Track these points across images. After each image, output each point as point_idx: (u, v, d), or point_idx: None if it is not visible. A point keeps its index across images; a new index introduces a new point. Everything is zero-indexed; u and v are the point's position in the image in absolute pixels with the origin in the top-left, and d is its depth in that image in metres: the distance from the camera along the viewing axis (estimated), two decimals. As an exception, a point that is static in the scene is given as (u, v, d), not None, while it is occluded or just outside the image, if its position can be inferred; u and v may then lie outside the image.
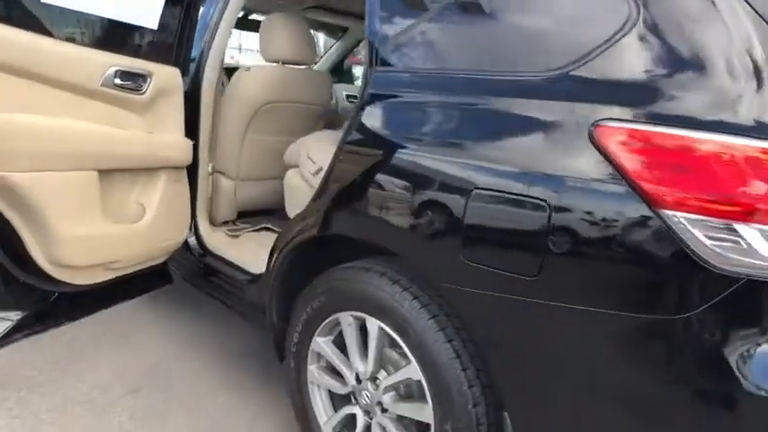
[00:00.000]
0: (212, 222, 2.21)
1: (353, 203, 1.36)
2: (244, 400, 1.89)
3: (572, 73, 1.03)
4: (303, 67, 2.23)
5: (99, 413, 1.77)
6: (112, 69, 1.55)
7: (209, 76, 1.94)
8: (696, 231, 0.87)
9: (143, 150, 1.67)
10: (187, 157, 1.83)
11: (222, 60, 2.02)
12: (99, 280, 1.68)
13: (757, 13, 0.91)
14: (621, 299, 0.96)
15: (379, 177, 1.27)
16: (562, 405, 1.05)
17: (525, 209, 1.02)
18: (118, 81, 1.57)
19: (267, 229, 2.29)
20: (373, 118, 1.35)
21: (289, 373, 1.59)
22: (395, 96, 1.34)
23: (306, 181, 1.93)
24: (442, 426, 1.21)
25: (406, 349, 1.27)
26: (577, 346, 1.01)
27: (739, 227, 0.86)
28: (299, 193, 1.98)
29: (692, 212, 0.88)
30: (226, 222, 2.35)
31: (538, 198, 1.00)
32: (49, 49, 1.42)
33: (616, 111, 0.96)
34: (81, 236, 1.50)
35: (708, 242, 0.87)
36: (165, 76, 1.72)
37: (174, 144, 1.77)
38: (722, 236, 0.86)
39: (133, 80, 1.62)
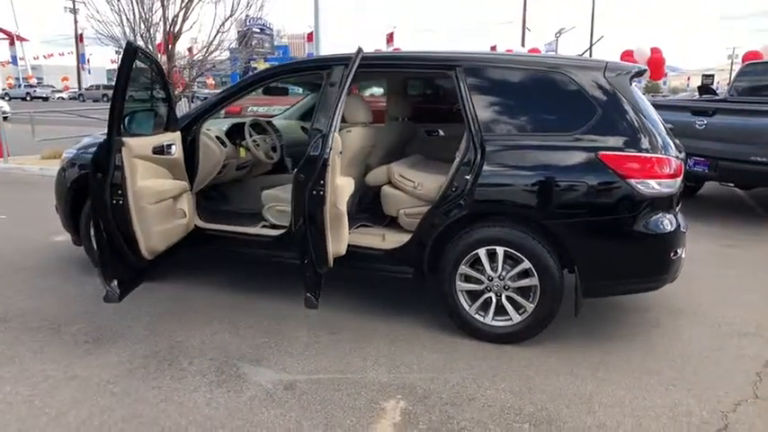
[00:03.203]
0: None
1: (496, 194, 2.91)
2: (395, 323, 3.27)
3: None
4: (368, 123, 3.61)
5: (330, 345, 3.00)
6: (340, 144, 2.83)
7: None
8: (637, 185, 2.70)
9: (350, 187, 2.98)
10: (353, 188, 3.15)
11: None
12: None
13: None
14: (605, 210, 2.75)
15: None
16: (599, 257, 2.81)
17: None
18: (339, 150, 2.85)
19: (363, 225, 3.62)
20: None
21: (444, 289, 3.06)
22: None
23: (405, 192, 3.36)
24: (544, 284, 2.87)
25: (521, 256, 2.89)
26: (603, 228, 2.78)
27: (647, 181, 2.70)
28: (398, 198, 3.41)
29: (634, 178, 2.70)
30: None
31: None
32: (337, 139, 2.70)
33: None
34: (346, 236, 2.78)
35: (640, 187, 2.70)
36: (338, 142, 3.03)
37: (350, 182, 3.09)
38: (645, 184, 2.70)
39: (337, 147, 2.91)
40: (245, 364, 2.80)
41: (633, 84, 2.97)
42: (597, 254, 2.85)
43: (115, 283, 2.76)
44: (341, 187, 2.64)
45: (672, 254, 2.85)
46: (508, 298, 2.98)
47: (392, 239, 3.31)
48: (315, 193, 2.56)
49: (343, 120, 3.80)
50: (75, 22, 42.38)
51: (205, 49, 9.44)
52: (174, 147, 3.19)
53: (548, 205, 2.83)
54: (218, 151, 3.57)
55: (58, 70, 55.69)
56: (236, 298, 3.59)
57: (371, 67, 3.28)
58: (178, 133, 3.29)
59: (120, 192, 2.68)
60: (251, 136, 3.89)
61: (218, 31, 9.27)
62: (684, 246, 2.99)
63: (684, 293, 3.66)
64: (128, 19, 8.46)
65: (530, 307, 2.94)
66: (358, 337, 3.10)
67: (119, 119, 2.59)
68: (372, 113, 3.60)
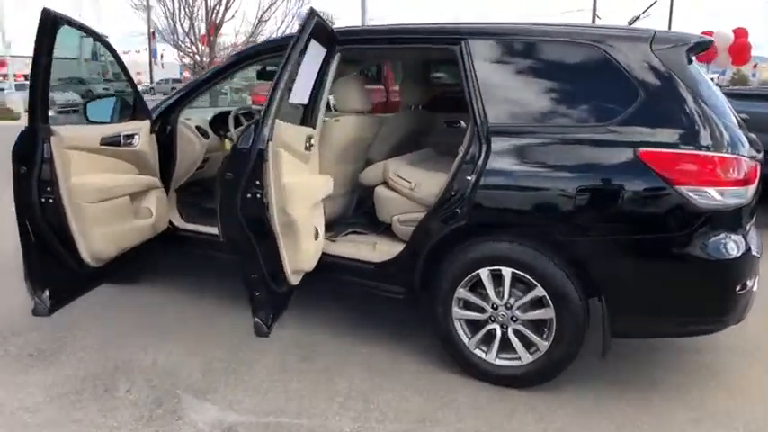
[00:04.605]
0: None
1: (500, 203, 2.30)
2: (378, 348, 2.74)
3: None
4: (364, 112, 3.07)
5: (298, 373, 2.50)
6: (305, 135, 2.31)
7: (318, 130, 2.72)
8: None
9: (324, 188, 2.46)
10: (332, 189, 2.62)
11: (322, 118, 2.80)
12: (299, 281, 2.43)
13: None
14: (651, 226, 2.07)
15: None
16: (633, 287, 2.14)
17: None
18: (307, 144, 2.33)
19: (353, 232, 3.10)
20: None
21: (438, 314, 2.48)
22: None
23: (401, 194, 2.80)
24: (562, 317, 2.24)
25: (532, 280, 2.26)
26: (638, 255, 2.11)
27: (705, 189, 2.00)
28: (393, 201, 2.84)
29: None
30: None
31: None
32: (296, 130, 2.17)
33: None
34: (311, 250, 2.27)
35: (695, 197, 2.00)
36: (315, 135, 2.51)
37: (328, 181, 2.57)
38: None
39: (309, 141, 2.38)
40: (189, 395, 2.35)
41: (692, 60, 2.27)
42: (632, 283, 2.17)
43: (46, 293, 2.38)
44: (294, 188, 2.11)
45: (738, 287, 2.13)
46: (516, 332, 2.36)
47: (384, 250, 2.76)
48: (250, 196, 2.05)
49: (332, 108, 3.30)
50: (149, 18, 44.36)
51: (246, 39, 9.22)
52: (137, 137, 2.78)
53: (569, 217, 2.19)
54: (197, 143, 3.15)
55: (133, 65, 58.91)
56: (207, 309, 3.15)
57: (349, 43, 2.72)
58: (146, 122, 2.88)
59: (49, 188, 2.29)
60: (236, 126, 3.44)
61: (259, 20, 9.01)
62: (757, 275, 2.26)
63: (757, 331, 2.88)
64: (170, 12, 8.39)
65: (543, 345, 2.31)
66: (332, 366, 2.58)
67: (43, 103, 2.19)
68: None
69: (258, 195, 2.03)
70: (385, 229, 2.99)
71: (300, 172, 2.22)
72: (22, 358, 2.62)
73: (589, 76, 2.27)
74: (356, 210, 3.41)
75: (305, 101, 2.47)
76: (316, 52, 2.34)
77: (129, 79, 2.87)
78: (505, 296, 2.34)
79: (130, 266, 2.95)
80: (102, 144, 2.54)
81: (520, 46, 2.39)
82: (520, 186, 2.26)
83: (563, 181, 2.18)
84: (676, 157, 2.07)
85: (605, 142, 2.17)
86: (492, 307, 2.39)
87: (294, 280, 2.31)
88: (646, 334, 2.32)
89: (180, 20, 8.37)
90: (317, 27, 2.16)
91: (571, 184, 2.16)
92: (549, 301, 2.25)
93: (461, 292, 2.43)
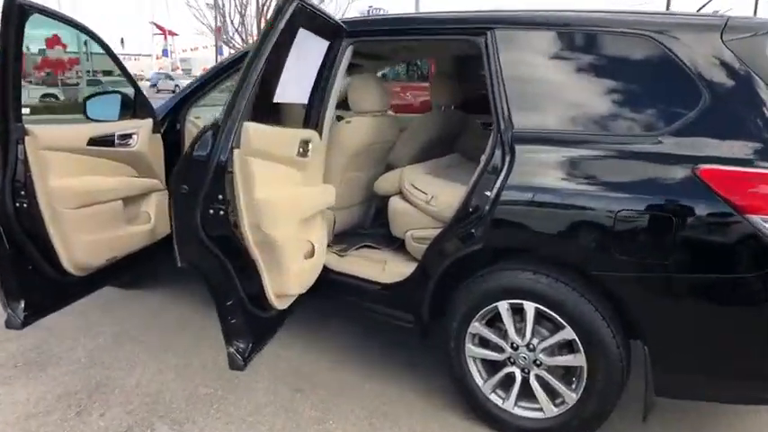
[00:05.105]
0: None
1: (523, 226, 1.91)
2: (385, 385, 2.41)
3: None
4: (381, 113, 2.75)
5: (287, 409, 2.22)
6: (298, 140, 2.01)
7: (326, 133, 2.41)
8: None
9: (318, 200, 2.15)
10: (333, 200, 2.32)
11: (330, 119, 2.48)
12: (289, 304, 2.14)
13: None
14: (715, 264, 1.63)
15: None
16: (686, 338, 1.71)
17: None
18: (300, 150, 2.03)
19: (366, 246, 2.79)
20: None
21: (449, 349, 2.14)
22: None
23: (416, 207, 2.46)
24: (596, 365, 1.84)
25: (560, 320, 1.88)
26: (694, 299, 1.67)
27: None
28: (407, 215, 2.51)
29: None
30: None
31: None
32: (279, 134, 1.87)
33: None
34: (297, 271, 1.97)
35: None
36: (316, 139, 2.20)
37: (328, 191, 2.26)
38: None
39: (305, 146, 2.08)
40: (165, 425, 2.11)
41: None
42: (685, 333, 1.74)
43: (21, 304, 2.21)
44: (272, 203, 1.80)
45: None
46: (539, 379, 1.98)
47: (393, 270, 2.43)
48: (212, 212, 1.77)
49: (345, 108, 2.98)
50: (215, 16, 45.83)
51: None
52: (135, 137, 2.58)
53: (607, 247, 1.77)
54: None
55: (202, 61, 60.94)
56: (207, 317, 2.91)
57: (361, 35, 2.39)
58: (147, 121, 2.68)
59: (23, 193, 2.11)
60: None
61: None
62: None
63: None
64: (221, 11, 8.34)
65: (571, 397, 1.92)
66: (327, 401, 2.28)
67: (15, 101, 2.00)
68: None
69: (222, 212, 1.75)
70: (400, 246, 2.65)
71: (286, 182, 1.91)
72: (8, 368, 2.48)
73: (639, 73, 1.84)
74: (374, 220, 3.10)
75: (304, 100, 2.17)
76: (313, 45, 2.03)
77: (126, 74, 2.66)
78: (527, 335, 1.96)
79: (125, 274, 2.75)
80: (90, 144, 2.34)
81: (555, 38, 1.99)
82: (547, 206, 1.86)
83: (601, 201, 1.77)
84: (749, 178, 1.62)
85: (656, 156, 1.75)
86: (512, 347, 2.02)
87: (280, 304, 2.02)
88: (698, 396, 1.87)
89: (231, 17, 8.32)
90: (304, 15, 1.85)
91: (611, 206, 1.75)
92: (580, 346, 1.86)
93: (477, 326, 2.07)
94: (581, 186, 1.82)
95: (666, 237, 1.69)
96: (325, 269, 2.46)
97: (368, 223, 3.09)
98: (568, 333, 1.87)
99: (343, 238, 2.88)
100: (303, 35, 1.89)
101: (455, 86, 3.33)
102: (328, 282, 2.46)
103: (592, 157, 1.84)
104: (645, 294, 1.76)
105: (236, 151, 1.70)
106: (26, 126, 2.07)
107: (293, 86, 1.98)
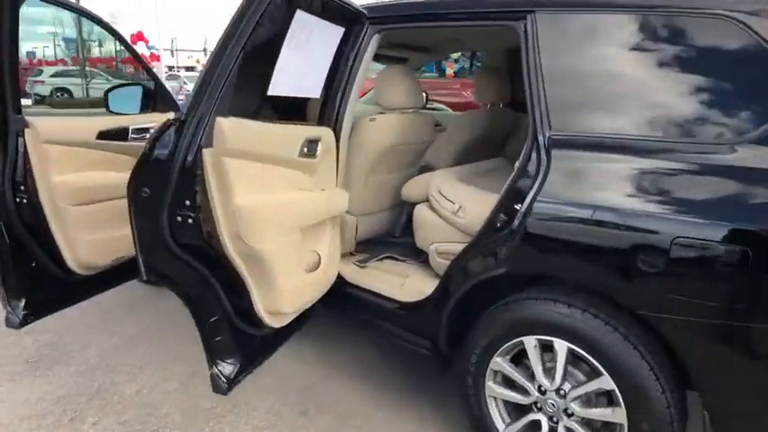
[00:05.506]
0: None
1: (556, 249, 1.59)
2: (399, 415, 2.16)
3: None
4: (412, 110, 2.47)
5: (286, 435, 2.02)
6: (304, 140, 1.78)
7: (345, 131, 2.17)
8: None
9: (324, 206, 1.92)
10: (346, 205, 2.08)
11: (351, 116, 2.24)
12: (288, 321, 1.92)
13: None
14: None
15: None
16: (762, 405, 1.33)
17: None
18: (305, 150, 1.81)
19: (390, 258, 2.53)
20: None
21: (466, 386, 1.85)
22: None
23: (442, 217, 2.17)
24: (639, 425, 1.49)
25: (597, 365, 1.54)
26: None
27: None
28: (433, 226, 2.22)
29: None
30: (344, 254, 2.59)
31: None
32: (270, 132, 1.65)
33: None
34: (292, 287, 1.75)
35: None
36: (327, 137, 1.97)
37: (339, 196, 2.03)
38: None
39: (312, 146, 1.85)
40: (154, 443, 1.97)
41: None
42: (761, 403, 1.36)
43: (22, 303, 2.13)
44: (256, 211, 1.56)
45: None
46: None
47: (413, 288, 2.16)
48: (180, 219, 1.56)
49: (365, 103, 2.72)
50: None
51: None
52: (151, 131, 2.45)
53: (658, 282, 1.42)
54: None
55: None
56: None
57: (387, 22, 2.11)
58: (168, 115, 2.55)
59: (23, 188, 2.02)
60: None
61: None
62: None
63: None
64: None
65: (607, 459, 1.58)
66: (333, 429, 2.05)
67: (12, 90, 1.90)
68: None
69: (190, 220, 1.55)
70: (427, 259, 2.38)
71: (281, 187, 1.68)
72: (19, 363, 2.44)
73: (711, 64, 1.46)
74: (406, 229, 2.83)
75: (314, 94, 1.94)
76: (322, 31, 1.79)
77: (143, 65, 2.55)
78: (558, 378, 1.64)
79: (133, 276, 2.65)
80: (100, 138, 2.24)
81: (608, 22, 1.64)
82: (585, 225, 1.52)
83: (653, 223, 1.41)
84: None
85: (730, 169, 1.37)
86: (539, 390, 1.70)
87: (274, 322, 1.80)
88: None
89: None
90: None
91: (666, 230, 1.39)
92: (621, 400, 1.51)
93: (499, 362, 1.76)
94: (628, 203, 1.46)
95: (741, 273, 1.32)
96: (340, 280, 2.24)
97: (398, 231, 2.83)
98: (606, 382, 1.53)
99: (367, 247, 2.64)
100: (306, 19, 1.65)
101: (504, 82, 3.00)
102: (341, 295, 2.23)
103: (645, 167, 1.48)
104: (707, 347, 1.39)
105: (206, 151, 1.49)
106: (27, 118, 1.98)
107: (298, 78, 1.75)
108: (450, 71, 13.43)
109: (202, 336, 1.69)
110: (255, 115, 1.61)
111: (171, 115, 2.56)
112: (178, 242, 1.58)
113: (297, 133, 1.75)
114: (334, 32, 1.89)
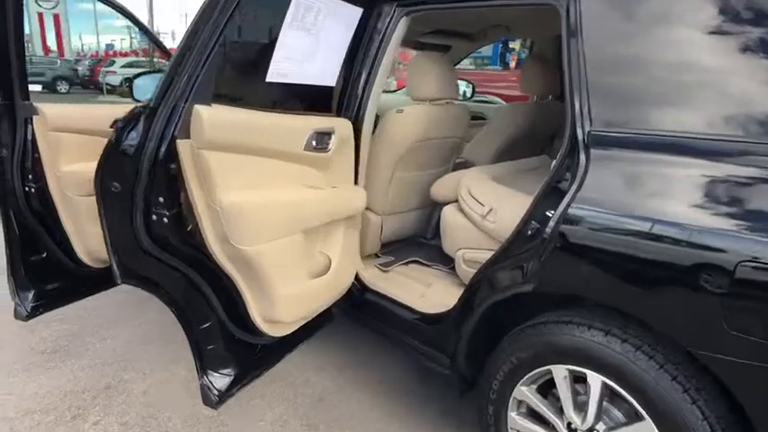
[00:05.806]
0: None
1: (592, 266, 1.34)
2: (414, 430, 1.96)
3: None
4: (445, 102, 2.26)
5: (290, 451, 1.87)
6: (312, 132, 1.61)
7: (368, 123, 1.98)
8: None
9: (335, 206, 1.74)
10: (364, 205, 1.90)
11: (375, 107, 2.05)
12: (292, 330, 1.76)
13: None
14: None
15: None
16: None
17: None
18: (314, 143, 1.63)
19: (415, 262, 2.33)
20: None
21: (485, 416, 1.63)
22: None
23: (471, 220, 1.95)
24: (685, 483, 1.23)
25: (637, 406, 1.29)
26: None
27: None
28: (461, 230, 2.01)
29: None
30: (369, 255, 2.41)
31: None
32: (264, 122, 1.49)
33: None
34: (292, 295, 1.58)
35: None
36: (343, 130, 1.79)
37: (354, 195, 1.84)
38: None
39: (322, 140, 1.68)
40: (149, 451, 1.86)
41: None
42: None
43: (31, 294, 2.08)
44: (243, 210, 1.39)
45: None
46: (603, 479, 1.40)
47: (434, 297, 1.96)
48: (156, 218, 1.40)
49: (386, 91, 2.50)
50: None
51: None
52: None
53: (714, 315, 1.15)
54: None
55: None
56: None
57: (415, 3, 1.88)
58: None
59: (31, 176, 1.95)
60: None
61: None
62: None
63: None
64: None
65: None
66: (339, 451, 1.89)
67: (19, 75, 1.83)
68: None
69: (166, 219, 1.39)
70: (454, 266, 2.16)
71: (279, 184, 1.51)
72: (35, 354, 2.41)
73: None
74: (437, 230, 2.62)
75: (328, 82, 1.76)
76: (334, 11, 1.60)
77: (162, 49, 2.44)
78: (590, 417, 1.39)
79: None
80: (113, 127, 2.15)
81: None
82: (625, 237, 1.26)
83: (709, 238, 1.15)
84: None
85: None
86: (568, 428, 1.46)
87: (272, 331, 1.64)
88: None
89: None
90: None
91: (726, 252, 1.12)
92: (665, 449, 1.26)
93: (523, 390, 1.53)
94: (679, 214, 1.20)
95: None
96: (358, 285, 2.06)
97: (430, 233, 2.62)
98: (648, 428, 1.28)
99: (394, 249, 2.45)
100: None
101: (552, 72, 2.71)
102: (358, 301, 2.05)
103: (702, 172, 1.21)
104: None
105: (181, 143, 1.33)
106: (36, 105, 1.91)
107: (304, 64, 1.58)
108: (512, 63, 12.95)
109: (191, 343, 1.55)
110: (250, 104, 1.44)
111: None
112: (156, 242, 1.44)
113: (301, 124, 1.58)
114: (351, 13, 1.70)
